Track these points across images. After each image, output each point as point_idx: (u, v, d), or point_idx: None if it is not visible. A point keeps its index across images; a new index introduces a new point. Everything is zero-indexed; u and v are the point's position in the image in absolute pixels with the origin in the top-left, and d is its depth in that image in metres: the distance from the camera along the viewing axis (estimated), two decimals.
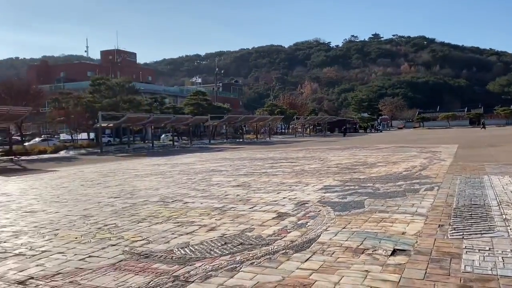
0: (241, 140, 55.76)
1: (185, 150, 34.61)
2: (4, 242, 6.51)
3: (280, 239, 6.01)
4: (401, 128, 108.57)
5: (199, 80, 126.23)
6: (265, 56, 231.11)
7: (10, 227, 7.55)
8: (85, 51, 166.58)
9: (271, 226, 6.77)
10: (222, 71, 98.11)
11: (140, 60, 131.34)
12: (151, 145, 42.94)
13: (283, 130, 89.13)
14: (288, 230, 6.48)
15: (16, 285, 4.61)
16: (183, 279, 4.57)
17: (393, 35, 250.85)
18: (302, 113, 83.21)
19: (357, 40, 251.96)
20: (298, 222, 6.98)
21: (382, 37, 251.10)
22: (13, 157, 26.59)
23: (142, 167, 19.37)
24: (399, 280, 4.35)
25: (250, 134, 66.92)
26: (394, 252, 5.22)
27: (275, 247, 5.60)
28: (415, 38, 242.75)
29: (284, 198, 9.40)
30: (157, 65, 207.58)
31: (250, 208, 8.34)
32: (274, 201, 9.06)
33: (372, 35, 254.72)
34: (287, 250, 5.45)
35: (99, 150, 35.74)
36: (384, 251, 5.27)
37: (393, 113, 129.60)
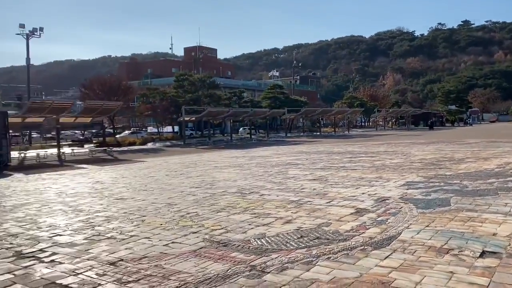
0: (318, 133, 55.18)
1: (262, 143, 35.07)
2: (98, 226, 7.10)
3: (358, 235, 5.87)
4: (493, 122, 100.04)
5: (277, 74, 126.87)
6: (344, 47, 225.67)
7: (103, 213, 8.22)
8: (170, 48, 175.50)
9: (348, 222, 6.64)
10: (300, 64, 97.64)
11: (220, 55, 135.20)
12: (229, 138, 44.18)
13: (363, 124, 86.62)
14: (367, 227, 6.30)
15: (108, 265, 5.02)
16: (260, 269, 4.65)
17: (486, 21, 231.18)
18: (383, 106, 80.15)
19: (445, 28, 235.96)
20: (378, 219, 6.76)
21: (473, 24, 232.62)
22: (106, 148, 28.87)
23: (221, 159, 19.99)
24: (488, 284, 4.04)
25: (328, 128, 65.97)
26: (483, 254, 4.85)
27: (352, 243, 5.48)
28: (511, 24, 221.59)
29: (363, 193, 9.15)
30: (236, 60, 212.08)
31: (327, 203, 8.24)
32: (353, 196, 8.86)
33: (462, 22, 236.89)
34: (365, 247, 5.31)
35: (182, 143, 37.53)
36: (472, 253, 4.92)
37: (485, 106, 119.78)
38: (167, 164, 18.51)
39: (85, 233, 6.60)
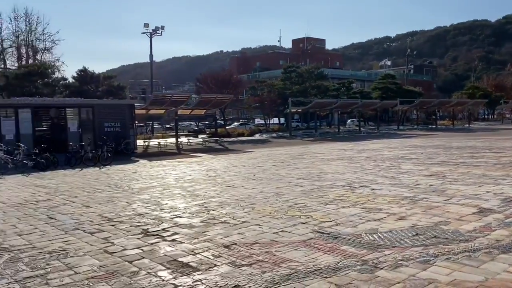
0: (434, 126, 51.45)
1: (372, 136, 33.83)
2: (213, 210, 7.53)
3: (483, 236, 5.36)
4: None
5: (389, 63, 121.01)
6: (465, 33, 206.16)
7: (217, 198, 8.69)
8: (278, 41, 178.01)
9: (471, 222, 6.09)
10: (415, 52, 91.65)
11: (329, 46, 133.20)
12: (337, 130, 43.43)
13: (486, 116, 78.57)
14: (493, 228, 5.72)
15: (222, 248, 5.30)
16: (372, 265, 4.51)
17: None
18: (511, 97, 71.67)
19: None
20: (506, 220, 6.10)
21: None
22: (218, 138, 30.47)
23: (328, 152, 19.77)
24: None
25: (445, 120, 61.06)
26: None
27: (476, 245, 5.03)
28: None
29: (487, 192, 8.32)
30: (345, 50, 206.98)
31: (445, 200, 7.66)
32: (475, 194, 8.11)
33: None
34: (491, 250, 4.83)
35: (288, 134, 37.95)
36: None
37: None
38: (274, 155, 18.87)
39: (201, 217, 7.05)
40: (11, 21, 36.95)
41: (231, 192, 9.43)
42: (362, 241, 5.36)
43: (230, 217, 6.93)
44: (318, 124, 45.32)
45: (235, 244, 5.43)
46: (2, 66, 34.91)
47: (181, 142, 27.08)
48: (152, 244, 5.58)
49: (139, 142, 26.06)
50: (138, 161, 18.38)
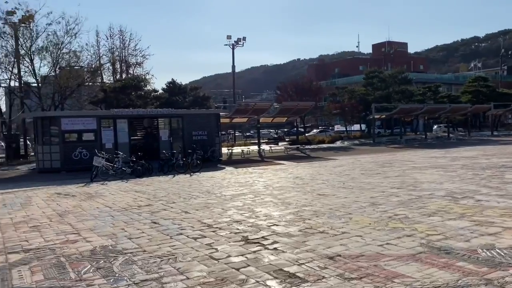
0: None
1: (463, 143, 31.57)
2: (308, 219, 7.44)
3: None
4: None
5: (479, 65, 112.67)
6: None
7: (310, 207, 8.59)
8: (356, 47, 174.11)
9: None
10: (510, 52, 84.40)
11: (411, 49, 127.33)
12: (423, 136, 41.18)
13: None
14: None
15: (327, 259, 5.18)
16: (498, 285, 4.11)
17: None
18: None
19: None
20: None
21: None
22: (298, 146, 30.40)
23: (418, 159, 18.76)
24: None
25: None
26: None
27: None
28: None
29: None
30: (429, 53, 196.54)
31: None
32: None
33: None
34: None
35: (371, 141, 36.75)
36: None
37: None
38: (360, 163, 18.32)
39: (298, 225, 7.00)
40: (107, 39, 39.92)
41: (323, 201, 9.27)
42: (480, 258, 4.93)
43: (328, 227, 6.79)
44: (403, 130, 43.34)
45: (340, 255, 5.29)
46: (100, 80, 38.00)
47: (263, 149, 27.41)
48: (254, 252, 5.62)
49: (223, 150, 26.84)
50: (224, 168, 18.89)
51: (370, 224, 6.86)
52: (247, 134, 60.59)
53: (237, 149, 28.52)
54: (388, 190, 10.32)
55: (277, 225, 7.12)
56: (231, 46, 46.22)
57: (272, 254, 5.48)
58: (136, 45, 40.34)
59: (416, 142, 36.13)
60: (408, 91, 47.52)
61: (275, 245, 5.88)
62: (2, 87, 30.93)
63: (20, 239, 6.85)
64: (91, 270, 5.10)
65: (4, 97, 33.37)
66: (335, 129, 56.38)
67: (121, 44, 39.81)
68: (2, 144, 31.76)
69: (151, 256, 5.59)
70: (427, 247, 5.44)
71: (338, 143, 37.52)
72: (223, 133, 52.80)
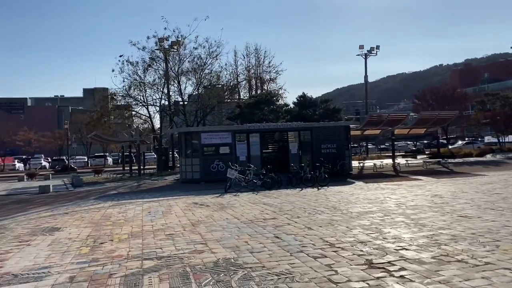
0: None
1: None
2: (445, 245, 6.59)
3: None
4: None
5: None
6: None
7: (448, 230, 7.63)
8: (511, 47, 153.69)
9: None
10: None
11: None
12: None
13: None
14: None
15: None
16: None
17: None
18: None
19: None
20: None
21: None
22: (440, 159, 27.79)
23: None
24: None
25: None
26: None
27: None
28: None
29: None
30: None
31: None
32: None
33: None
34: None
35: None
36: None
37: None
38: None
39: (431, 251, 6.24)
40: (244, 57, 42.38)
41: (465, 224, 8.17)
42: None
43: (468, 255, 5.90)
44: None
45: None
46: (237, 97, 40.41)
47: (398, 163, 25.76)
48: (378, 278, 5.14)
49: (354, 163, 25.96)
50: (354, 182, 18.20)
51: None
52: (382, 146, 57.93)
53: (369, 163, 27.39)
54: None
55: (406, 249, 6.46)
56: (364, 56, 44.91)
57: (397, 283, 4.93)
58: (270, 62, 41.75)
59: None
60: None
61: (402, 273, 5.30)
62: (155, 106, 34.91)
63: (156, 246, 7.45)
64: (211, 283, 5.23)
65: (157, 115, 37.66)
66: (485, 141, 50.35)
67: (256, 62, 41.88)
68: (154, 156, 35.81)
69: (269, 273, 5.53)
70: None
71: (488, 157, 33.33)
72: (354, 145, 51.46)
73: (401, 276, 5.17)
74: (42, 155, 60.83)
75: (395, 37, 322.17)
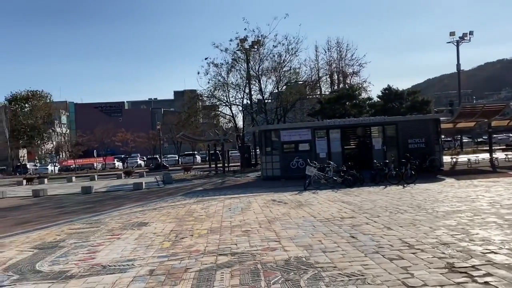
0: None
1: None
2: None
3: None
4: None
5: None
6: None
7: None
8: None
9: None
10: None
11: None
12: None
13: None
14: None
15: None
16: None
17: None
18: None
19: None
20: None
21: None
22: None
23: None
24: None
25: None
26: None
27: None
28: None
29: None
30: None
31: None
32: None
33: None
34: None
35: None
36: None
37: None
38: None
39: None
40: (325, 52, 41.68)
41: None
42: None
43: None
44: None
45: None
46: (318, 92, 39.92)
47: (496, 158, 23.56)
48: (458, 284, 4.75)
49: (446, 159, 24.28)
50: (444, 179, 17.00)
51: None
52: (479, 140, 53.41)
53: (463, 158, 25.42)
54: None
55: (495, 253, 5.89)
56: (455, 43, 41.74)
57: None
58: (352, 55, 40.59)
59: None
60: None
61: (487, 279, 4.84)
62: (238, 105, 35.85)
63: (231, 242, 7.64)
64: (280, 281, 5.23)
65: (239, 114, 38.67)
66: None
67: (338, 56, 41.00)
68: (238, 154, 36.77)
69: (340, 274, 5.38)
70: None
71: None
72: (448, 139, 48.13)
73: (486, 283, 4.72)
74: (138, 154, 65.64)
75: (490, 21, 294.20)
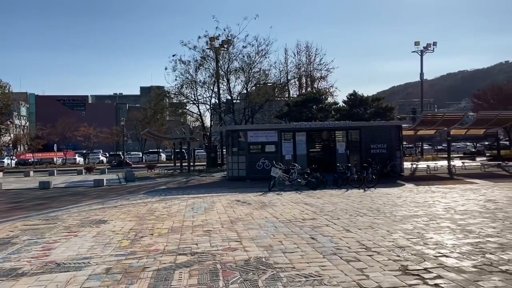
0: None
1: None
2: (490, 253, 6.18)
3: None
4: None
5: None
6: None
7: (496, 238, 7.15)
8: None
9: None
10: None
11: None
12: None
13: None
14: None
15: None
16: None
17: None
18: None
19: None
20: None
21: None
22: (500, 162, 26.13)
23: None
24: None
25: None
26: None
27: None
28: None
29: None
30: None
31: None
32: None
33: None
34: None
35: None
36: None
37: None
38: None
39: (474, 260, 5.87)
40: (294, 55, 42.09)
41: None
42: None
43: None
44: None
45: None
46: (287, 95, 40.27)
47: (454, 165, 24.52)
48: (410, 286, 4.91)
49: (407, 165, 25.04)
50: (403, 185, 17.54)
51: None
52: (439, 147, 55.43)
53: (422, 164, 26.29)
54: None
55: (447, 256, 6.12)
56: (419, 53, 43.11)
57: None
58: (321, 60, 41.16)
59: None
60: None
61: (438, 281, 5.03)
62: (205, 104, 35.65)
63: (192, 242, 7.58)
64: (238, 281, 5.24)
65: (207, 113, 38.43)
66: None
67: (307, 60, 41.50)
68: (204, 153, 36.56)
69: (297, 274, 5.45)
70: None
71: None
72: (409, 146, 49.60)
73: (436, 285, 4.90)
74: (101, 150, 64.01)
75: (454, 33, 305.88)
